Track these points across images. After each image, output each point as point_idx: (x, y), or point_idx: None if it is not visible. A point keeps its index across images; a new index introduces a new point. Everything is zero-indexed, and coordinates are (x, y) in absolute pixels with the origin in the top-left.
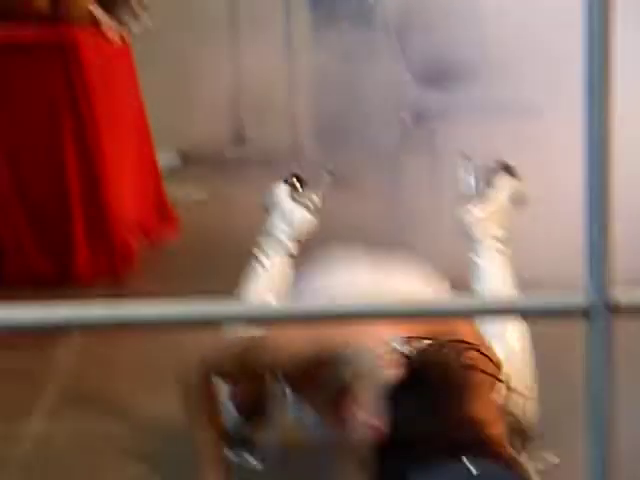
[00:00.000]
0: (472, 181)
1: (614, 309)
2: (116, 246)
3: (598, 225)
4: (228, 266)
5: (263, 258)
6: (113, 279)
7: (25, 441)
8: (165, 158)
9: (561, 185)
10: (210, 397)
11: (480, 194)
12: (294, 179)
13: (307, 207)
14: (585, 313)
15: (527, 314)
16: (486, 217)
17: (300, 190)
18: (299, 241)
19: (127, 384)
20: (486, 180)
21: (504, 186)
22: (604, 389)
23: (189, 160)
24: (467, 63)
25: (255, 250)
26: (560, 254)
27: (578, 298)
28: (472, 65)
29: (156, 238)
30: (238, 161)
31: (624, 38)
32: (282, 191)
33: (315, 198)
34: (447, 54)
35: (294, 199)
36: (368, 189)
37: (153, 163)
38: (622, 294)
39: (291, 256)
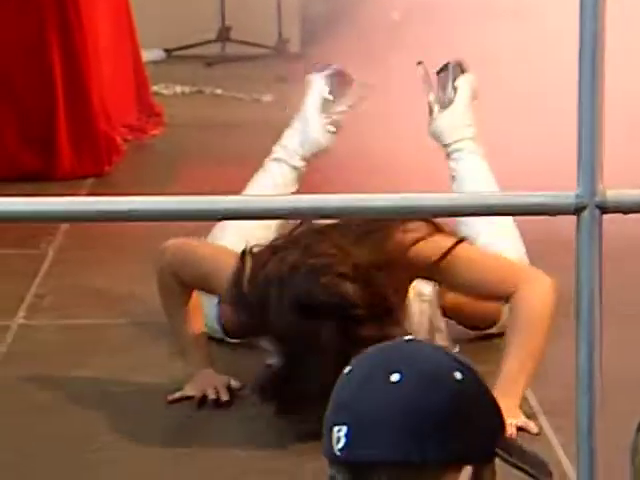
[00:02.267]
0: (433, 90)
1: (603, 207)
2: (100, 141)
3: (590, 125)
4: (214, 162)
5: (273, 165)
6: (97, 174)
7: (8, 336)
8: (150, 54)
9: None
10: (187, 302)
11: (444, 99)
12: (332, 82)
13: (331, 124)
14: (575, 211)
15: (518, 212)
16: (454, 120)
17: (331, 99)
18: (313, 156)
19: (111, 279)
20: (446, 84)
21: (464, 85)
22: (594, 288)
23: (174, 56)
24: None
25: (268, 157)
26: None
27: (569, 196)
28: None
29: (141, 133)
30: (223, 57)
31: None
32: (315, 94)
33: (340, 116)
34: None
35: (323, 108)
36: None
37: (138, 59)
38: (612, 192)
39: (299, 169)
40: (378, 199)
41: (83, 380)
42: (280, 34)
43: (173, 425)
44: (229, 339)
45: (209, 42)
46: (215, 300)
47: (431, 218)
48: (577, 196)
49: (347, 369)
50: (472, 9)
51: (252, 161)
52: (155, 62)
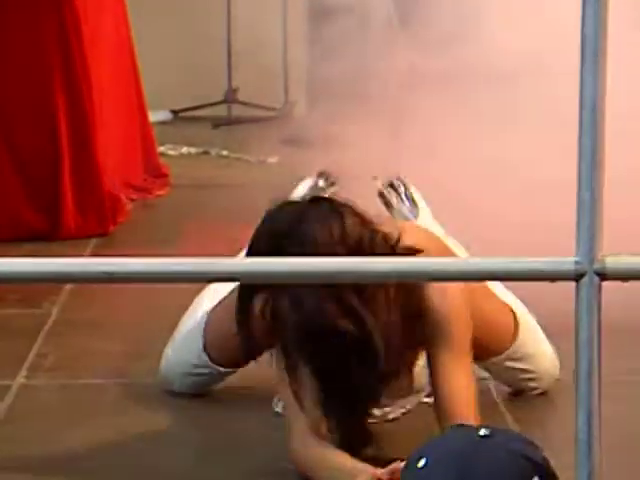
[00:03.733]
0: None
1: (603, 274)
2: (105, 201)
3: (589, 191)
4: (219, 222)
5: None
6: (102, 233)
7: (9, 396)
8: (157, 115)
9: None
10: None
11: (407, 215)
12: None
13: None
14: (575, 277)
15: (518, 277)
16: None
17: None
18: None
19: (116, 342)
20: (401, 198)
21: (418, 197)
22: (592, 353)
23: (180, 117)
24: None
25: None
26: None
27: (568, 263)
28: None
29: (146, 193)
30: (229, 118)
31: None
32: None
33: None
34: None
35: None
36: (361, 148)
37: (144, 120)
38: (611, 259)
39: None
40: (380, 263)
41: (82, 440)
42: (287, 97)
43: None
44: (220, 369)
45: (216, 104)
46: (198, 335)
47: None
48: (576, 262)
49: (421, 462)
50: (476, 73)
51: (257, 221)
52: (162, 123)
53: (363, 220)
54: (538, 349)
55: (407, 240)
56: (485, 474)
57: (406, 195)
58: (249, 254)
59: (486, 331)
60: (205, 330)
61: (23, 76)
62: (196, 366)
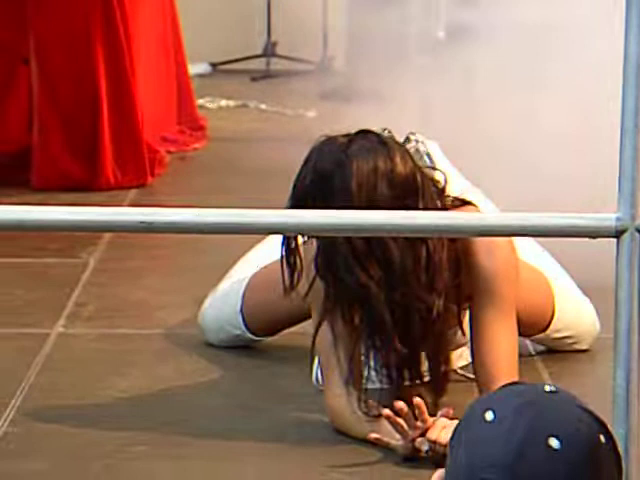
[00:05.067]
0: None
1: None
2: (143, 152)
3: (630, 150)
4: (256, 176)
5: None
6: (140, 185)
7: (48, 344)
8: (196, 69)
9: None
10: None
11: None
12: None
13: None
14: (616, 234)
15: (558, 234)
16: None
17: None
18: None
19: (155, 292)
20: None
21: (435, 150)
22: (632, 309)
23: (220, 71)
24: None
25: None
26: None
27: (609, 219)
28: None
29: (184, 145)
30: (268, 72)
31: None
32: None
33: None
34: None
35: None
36: (400, 104)
37: (184, 73)
38: None
39: None
40: (416, 216)
41: (120, 389)
42: (325, 51)
43: (211, 433)
44: (253, 337)
45: (255, 57)
46: (237, 296)
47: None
48: (618, 219)
49: (489, 415)
50: (510, 27)
51: (293, 175)
52: (201, 75)
53: (412, 159)
54: (578, 313)
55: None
56: (560, 426)
57: (424, 151)
58: (294, 194)
59: (526, 309)
60: (245, 294)
61: (64, 29)
62: (231, 325)
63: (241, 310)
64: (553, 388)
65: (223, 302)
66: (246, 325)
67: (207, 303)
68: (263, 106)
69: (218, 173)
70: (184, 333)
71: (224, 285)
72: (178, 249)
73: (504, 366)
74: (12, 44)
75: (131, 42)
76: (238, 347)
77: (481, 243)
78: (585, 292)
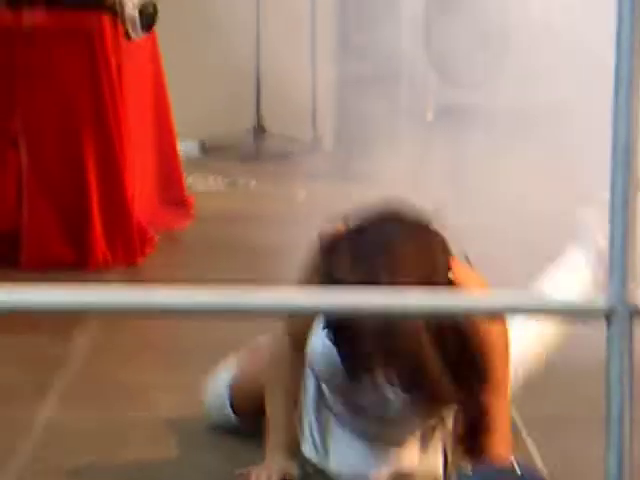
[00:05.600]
0: None
1: (635, 313)
2: (133, 232)
3: (621, 228)
4: (245, 255)
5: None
6: (130, 265)
7: (37, 427)
8: (185, 147)
9: None
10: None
11: None
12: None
13: None
14: (606, 316)
15: (550, 313)
16: None
17: None
18: None
19: (140, 370)
20: None
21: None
22: (624, 393)
23: (209, 150)
24: (490, 62)
25: None
26: None
27: (600, 300)
28: (494, 64)
29: (172, 224)
30: (257, 151)
31: None
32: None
33: None
34: (470, 51)
35: None
36: (389, 184)
37: (173, 151)
38: None
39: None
40: (405, 298)
41: (111, 472)
42: (315, 131)
43: None
44: (234, 416)
45: (244, 136)
46: (223, 380)
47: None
48: (608, 300)
49: None
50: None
51: (282, 255)
52: (190, 154)
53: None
54: (529, 348)
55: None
56: None
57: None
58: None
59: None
60: (233, 378)
61: (52, 106)
62: (219, 402)
63: (229, 395)
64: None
65: (215, 384)
66: (233, 408)
67: (207, 384)
68: (252, 185)
69: (206, 252)
70: (178, 415)
71: (220, 366)
72: (171, 329)
73: (503, 447)
74: (0, 125)
75: (120, 121)
76: (238, 432)
77: (477, 323)
78: (576, 371)
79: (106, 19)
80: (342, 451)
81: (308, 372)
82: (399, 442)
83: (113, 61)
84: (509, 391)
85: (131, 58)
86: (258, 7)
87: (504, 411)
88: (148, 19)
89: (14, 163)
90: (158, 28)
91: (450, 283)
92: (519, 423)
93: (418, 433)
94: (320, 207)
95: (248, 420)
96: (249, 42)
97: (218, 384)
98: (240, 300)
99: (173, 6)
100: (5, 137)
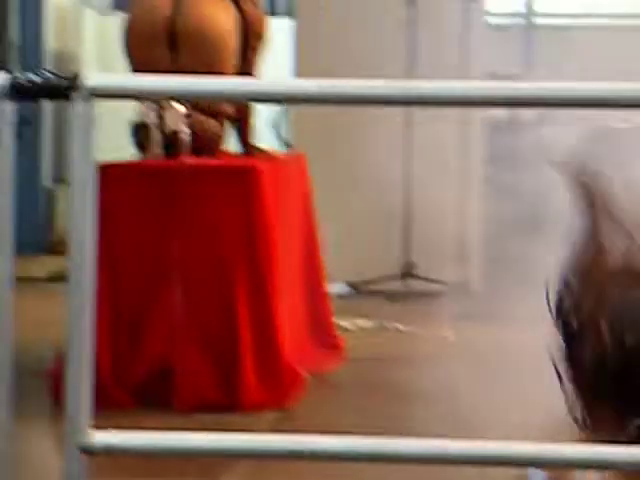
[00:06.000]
0: None
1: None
2: (284, 373)
3: None
4: (394, 398)
5: None
6: (280, 407)
7: None
8: (334, 288)
9: None
10: None
11: None
12: None
13: None
14: None
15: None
16: None
17: None
18: None
19: None
20: None
21: None
22: None
23: (358, 291)
24: None
25: None
26: None
27: None
28: None
29: (323, 366)
30: (406, 292)
31: None
32: None
33: None
34: None
35: None
36: (538, 326)
37: (323, 292)
38: None
39: None
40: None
41: None
42: (462, 272)
43: None
44: None
45: (393, 278)
46: None
47: None
48: None
49: None
50: None
51: (434, 398)
52: (339, 295)
53: None
54: None
55: None
56: None
57: None
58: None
59: None
60: None
61: (206, 245)
62: None
63: None
64: None
65: None
66: None
67: None
68: (401, 326)
69: (356, 394)
70: None
71: None
72: (322, 476)
73: None
74: (154, 265)
75: (272, 262)
76: None
77: None
78: None
79: (262, 161)
80: None
81: None
82: None
83: (267, 201)
84: None
85: (284, 198)
86: (407, 150)
87: None
88: None
89: (166, 300)
90: (310, 172)
91: None
92: None
93: None
94: (469, 349)
95: None
96: (398, 184)
97: None
98: (390, 447)
99: (323, 152)
100: (159, 273)
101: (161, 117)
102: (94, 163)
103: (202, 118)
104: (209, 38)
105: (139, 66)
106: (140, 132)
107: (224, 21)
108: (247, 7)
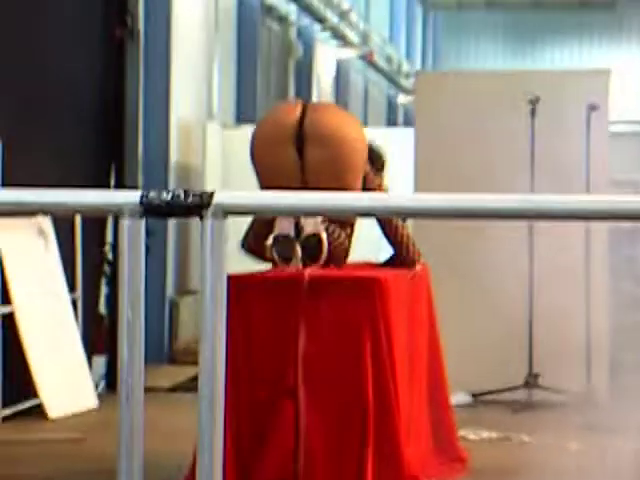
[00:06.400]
0: None
1: None
2: None
3: None
4: None
5: None
6: None
7: None
8: (457, 398)
9: None
10: None
11: None
12: None
13: None
14: None
15: None
16: None
17: None
18: None
19: None
20: None
21: None
22: None
23: (481, 401)
24: None
25: None
26: None
27: None
28: None
29: (446, 477)
30: (530, 403)
31: None
32: None
33: None
34: None
35: None
36: None
37: (445, 402)
38: None
39: None
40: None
41: None
42: (588, 381)
43: None
44: None
45: (516, 388)
46: None
47: None
48: None
49: None
50: None
51: None
52: (462, 406)
53: None
54: None
55: None
56: None
57: None
58: None
59: None
60: None
61: (333, 357)
62: None
63: None
64: None
65: None
66: None
67: None
68: (525, 438)
69: None
70: None
71: None
72: None
73: None
74: (278, 377)
75: (396, 373)
76: None
77: None
78: None
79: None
80: None
81: None
82: None
83: (391, 312)
84: None
85: (409, 309)
86: (530, 258)
87: None
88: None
89: (291, 415)
90: (434, 281)
91: None
92: None
93: None
94: (594, 460)
95: None
96: (521, 292)
97: None
98: None
99: (445, 260)
100: (281, 389)
101: (297, 225)
102: (225, 277)
103: (334, 227)
104: (336, 138)
105: (265, 169)
106: (282, 244)
107: (352, 128)
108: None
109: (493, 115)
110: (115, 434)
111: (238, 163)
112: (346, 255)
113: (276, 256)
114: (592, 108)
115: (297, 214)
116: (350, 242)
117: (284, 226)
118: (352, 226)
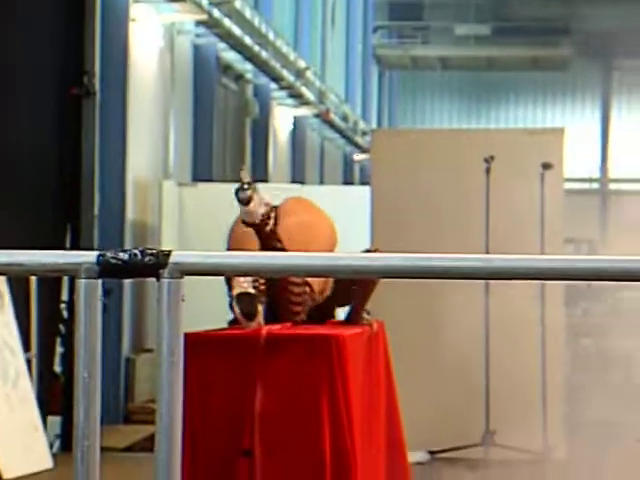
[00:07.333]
0: None
1: None
2: None
3: None
4: None
5: None
6: None
7: None
8: (414, 456)
9: None
10: None
11: None
12: None
13: None
14: None
15: None
16: None
17: None
18: None
19: None
20: None
21: None
22: None
23: (437, 458)
24: None
25: None
26: None
27: None
28: None
29: None
30: (486, 460)
31: None
32: None
33: None
34: None
35: None
36: None
37: (403, 459)
38: None
39: None
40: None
41: None
42: (545, 440)
43: None
44: None
45: (473, 445)
46: None
47: None
48: None
49: None
50: None
51: None
52: (420, 464)
53: None
54: None
55: None
56: None
57: None
58: None
59: None
60: None
61: (291, 418)
62: None
63: None
64: None
65: None
66: None
67: None
68: None
69: None
70: None
71: None
72: None
73: None
74: (234, 436)
75: (354, 432)
76: None
77: None
78: None
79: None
80: None
81: None
82: None
83: (349, 369)
84: None
85: (367, 367)
86: (486, 318)
87: None
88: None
89: (246, 475)
90: (391, 339)
91: None
92: None
93: None
94: None
95: None
96: (478, 352)
97: None
98: None
99: (402, 318)
100: (239, 447)
101: (257, 287)
102: (182, 336)
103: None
104: (306, 224)
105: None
106: (244, 302)
107: (324, 223)
108: None
109: (448, 173)
110: None
111: (194, 221)
112: (303, 311)
113: (238, 313)
114: (546, 166)
115: (253, 274)
116: (314, 299)
117: (242, 284)
118: (307, 283)
